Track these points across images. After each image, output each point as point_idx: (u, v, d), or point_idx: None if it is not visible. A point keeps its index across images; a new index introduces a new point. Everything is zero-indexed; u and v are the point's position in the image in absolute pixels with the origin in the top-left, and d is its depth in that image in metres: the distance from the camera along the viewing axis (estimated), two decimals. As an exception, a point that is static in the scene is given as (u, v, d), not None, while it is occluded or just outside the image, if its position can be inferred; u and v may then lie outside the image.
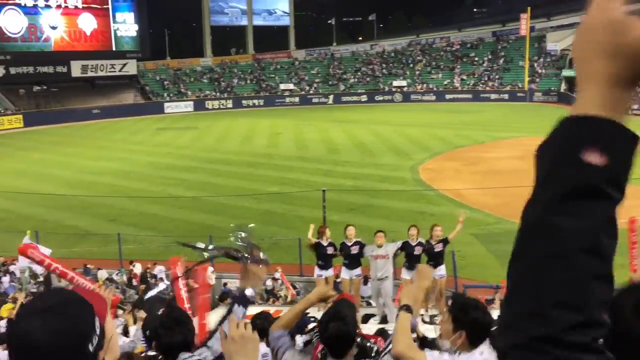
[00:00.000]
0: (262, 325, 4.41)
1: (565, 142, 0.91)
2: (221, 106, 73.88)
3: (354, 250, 11.20)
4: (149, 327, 4.86)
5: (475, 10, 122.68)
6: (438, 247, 11.16)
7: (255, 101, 75.57)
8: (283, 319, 4.14)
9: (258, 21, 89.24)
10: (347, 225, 11.65)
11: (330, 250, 11.44)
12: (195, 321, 4.90)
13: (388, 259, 11.03)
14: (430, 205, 26.43)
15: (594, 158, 0.87)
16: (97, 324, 1.66)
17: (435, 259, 11.26)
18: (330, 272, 11.66)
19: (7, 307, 12.21)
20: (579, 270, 0.89)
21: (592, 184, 0.88)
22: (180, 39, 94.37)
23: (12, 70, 64.71)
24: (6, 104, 62.79)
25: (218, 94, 76.61)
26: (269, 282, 19.08)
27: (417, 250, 11.17)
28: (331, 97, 76.45)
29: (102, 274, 20.32)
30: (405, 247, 11.19)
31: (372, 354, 4.60)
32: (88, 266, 20.59)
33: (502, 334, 0.97)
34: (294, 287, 18.14)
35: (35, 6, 66.80)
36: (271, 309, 12.19)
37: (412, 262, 11.26)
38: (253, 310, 11.30)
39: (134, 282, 19.67)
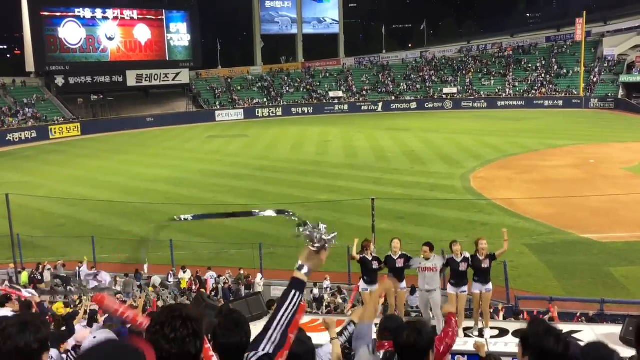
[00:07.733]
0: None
1: None
2: (271, 114, 74.72)
3: (399, 263, 11.04)
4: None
5: (528, 15, 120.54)
6: (485, 264, 10.86)
7: (305, 109, 76.09)
8: (365, 314, 4.34)
9: (308, 29, 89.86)
10: (392, 238, 11.51)
11: (375, 265, 11.31)
12: None
13: (436, 272, 10.83)
14: (481, 215, 25.96)
15: None
16: None
17: (483, 276, 10.96)
18: (376, 287, 11.51)
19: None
20: None
21: None
22: (231, 48, 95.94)
23: (71, 80, 67.13)
24: (65, 112, 65.12)
25: (268, 101, 77.46)
26: (316, 291, 19.02)
27: (463, 267, 10.85)
28: (380, 104, 76.26)
29: (156, 280, 20.77)
30: (451, 264, 10.94)
31: None
32: (140, 272, 21.07)
33: None
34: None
35: (93, 18, 69.21)
36: (319, 318, 12.14)
37: (458, 278, 11.01)
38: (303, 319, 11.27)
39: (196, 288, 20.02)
